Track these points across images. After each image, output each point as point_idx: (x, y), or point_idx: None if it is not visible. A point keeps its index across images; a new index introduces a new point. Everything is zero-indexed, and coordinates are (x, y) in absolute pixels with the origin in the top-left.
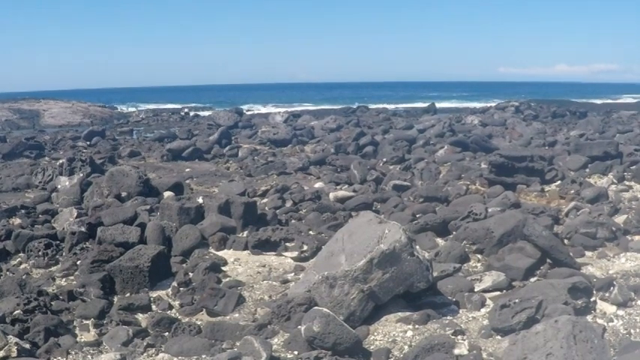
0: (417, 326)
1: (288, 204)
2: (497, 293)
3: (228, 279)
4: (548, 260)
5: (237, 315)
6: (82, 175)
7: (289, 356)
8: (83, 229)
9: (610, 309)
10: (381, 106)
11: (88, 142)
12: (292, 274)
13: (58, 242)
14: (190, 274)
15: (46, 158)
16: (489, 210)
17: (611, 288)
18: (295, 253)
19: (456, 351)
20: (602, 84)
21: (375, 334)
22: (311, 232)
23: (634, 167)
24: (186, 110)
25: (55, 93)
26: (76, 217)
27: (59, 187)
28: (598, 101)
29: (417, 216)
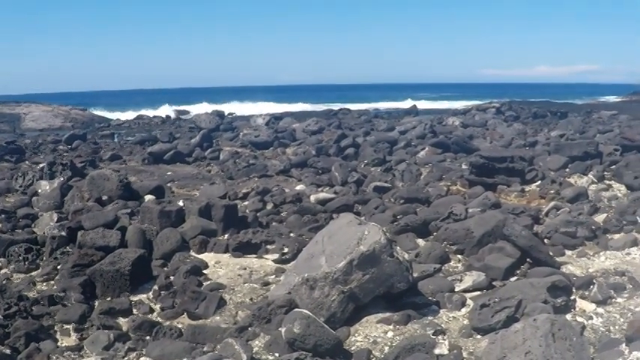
0: (397, 327)
1: (269, 206)
2: (478, 293)
3: (209, 282)
4: (528, 260)
5: (218, 318)
6: (62, 179)
7: (270, 358)
8: (63, 233)
9: (589, 307)
10: (362, 107)
11: (69, 146)
12: (273, 276)
13: (38, 247)
14: (171, 278)
15: (27, 162)
16: (470, 210)
17: (591, 286)
18: (276, 256)
19: (437, 351)
20: (583, 84)
21: (356, 335)
22: (292, 235)
23: (614, 167)
24: (167, 113)
25: (36, 96)
26: (57, 222)
27: (40, 191)
28: (579, 102)
29: (398, 217)
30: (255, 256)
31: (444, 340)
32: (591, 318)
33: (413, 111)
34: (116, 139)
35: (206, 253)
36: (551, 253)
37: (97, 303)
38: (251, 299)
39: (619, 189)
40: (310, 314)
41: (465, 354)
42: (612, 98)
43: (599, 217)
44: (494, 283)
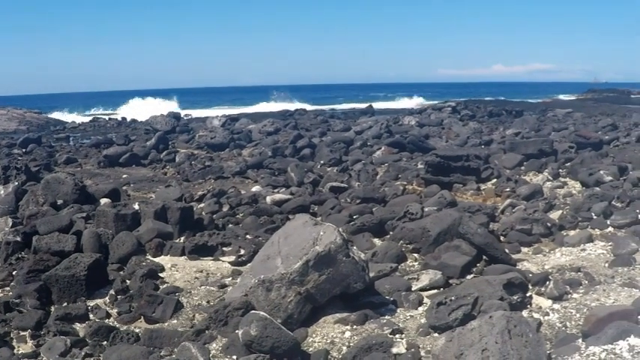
0: (355, 327)
1: (225, 208)
2: (434, 291)
3: (165, 285)
4: (484, 257)
5: (175, 321)
6: (17, 183)
7: None
8: (18, 238)
9: (546, 303)
10: (319, 108)
11: (24, 150)
12: (230, 278)
13: None
14: (128, 282)
15: None
16: (426, 209)
17: (547, 282)
18: (232, 258)
19: (394, 350)
20: (538, 83)
21: (314, 335)
22: (248, 236)
23: (569, 164)
24: (123, 115)
25: None
26: (12, 227)
27: None
28: (534, 100)
29: (354, 217)
30: (211, 258)
31: (402, 339)
32: (547, 314)
33: (369, 111)
34: (71, 142)
35: (162, 257)
36: (507, 251)
37: (53, 309)
38: (208, 302)
39: (574, 186)
40: (267, 316)
41: (422, 352)
42: (567, 96)
43: (555, 214)
44: (450, 281)
